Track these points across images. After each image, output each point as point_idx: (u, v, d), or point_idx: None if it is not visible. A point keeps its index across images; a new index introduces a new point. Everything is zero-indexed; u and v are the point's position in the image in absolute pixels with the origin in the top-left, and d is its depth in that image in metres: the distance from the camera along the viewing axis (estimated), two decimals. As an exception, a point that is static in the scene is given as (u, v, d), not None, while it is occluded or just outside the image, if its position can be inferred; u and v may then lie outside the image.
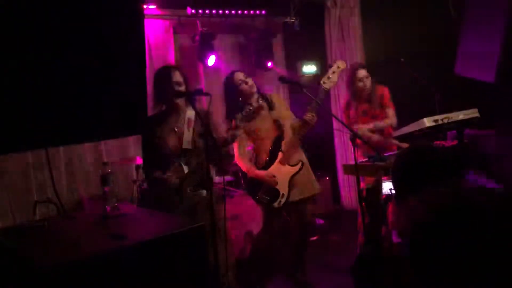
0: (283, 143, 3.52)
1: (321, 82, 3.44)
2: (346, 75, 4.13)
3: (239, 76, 3.52)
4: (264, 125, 3.54)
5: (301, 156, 3.63)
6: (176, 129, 3.03)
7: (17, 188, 4.12)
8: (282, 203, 3.46)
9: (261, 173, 3.45)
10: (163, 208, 2.87)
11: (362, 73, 3.93)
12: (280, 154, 3.50)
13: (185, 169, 2.99)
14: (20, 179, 4.14)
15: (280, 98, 3.71)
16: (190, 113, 3.04)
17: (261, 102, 3.55)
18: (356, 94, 3.98)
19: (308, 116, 3.39)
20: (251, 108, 3.22)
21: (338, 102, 5.58)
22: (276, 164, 3.49)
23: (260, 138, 3.55)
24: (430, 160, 1.50)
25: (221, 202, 3.03)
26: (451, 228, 0.95)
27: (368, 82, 3.93)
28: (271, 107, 3.57)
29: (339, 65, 3.46)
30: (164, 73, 2.99)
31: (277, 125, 3.57)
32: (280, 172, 3.48)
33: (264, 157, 3.53)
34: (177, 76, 2.95)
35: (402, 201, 1.51)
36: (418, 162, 1.51)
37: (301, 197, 3.55)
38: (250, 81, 3.52)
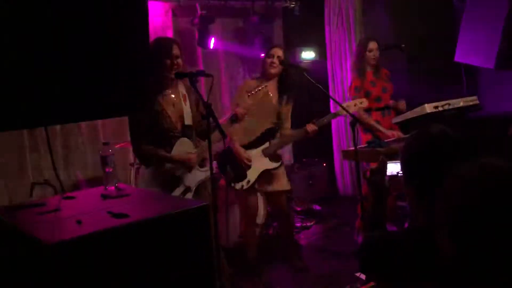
0: (275, 135, 3.54)
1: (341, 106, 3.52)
2: (355, 48, 4.24)
3: (277, 52, 3.50)
4: (265, 109, 3.51)
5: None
6: (174, 105, 2.96)
7: (13, 170, 4.08)
8: (243, 187, 3.46)
9: (241, 149, 3.43)
10: (167, 187, 2.87)
11: (374, 44, 4.03)
12: (266, 144, 3.50)
13: (192, 145, 2.96)
14: (16, 161, 4.10)
15: (289, 107, 3.65)
16: (182, 88, 3.01)
17: (270, 93, 3.52)
18: (364, 64, 4.05)
19: (311, 128, 3.41)
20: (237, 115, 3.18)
21: (336, 82, 5.57)
22: (257, 150, 3.49)
23: (253, 119, 3.48)
24: (445, 144, 1.48)
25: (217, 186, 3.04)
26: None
27: (377, 54, 4.04)
28: (280, 102, 3.55)
29: (362, 101, 3.54)
30: (165, 45, 2.90)
31: (277, 117, 3.56)
32: (257, 160, 3.48)
33: (246, 138, 3.50)
34: (177, 50, 2.90)
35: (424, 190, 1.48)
36: (432, 147, 1.50)
37: (275, 189, 3.57)
38: (277, 63, 3.48)
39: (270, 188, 3.55)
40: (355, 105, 3.49)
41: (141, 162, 3.03)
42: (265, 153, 3.48)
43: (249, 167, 3.44)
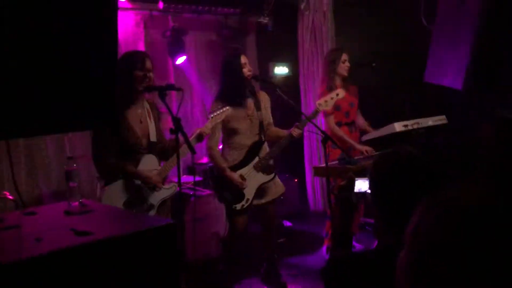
0: (262, 148, 3.49)
1: (317, 103, 3.51)
2: (326, 58, 4.20)
3: (244, 59, 3.41)
4: (247, 124, 3.46)
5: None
6: (141, 121, 2.94)
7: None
8: (244, 206, 3.41)
9: (233, 175, 3.38)
10: (132, 203, 2.82)
11: (346, 56, 4.06)
12: (256, 159, 3.46)
13: (157, 162, 2.92)
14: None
15: (267, 99, 3.63)
16: (146, 103, 2.99)
17: (249, 99, 3.47)
18: (334, 77, 4.02)
19: (296, 132, 3.38)
20: (219, 111, 3.16)
21: (308, 98, 5.59)
22: (249, 168, 3.44)
23: (239, 137, 3.45)
24: (412, 166, 1.49)
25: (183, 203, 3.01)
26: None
27: (349, 65, 4.03)
28: (258, 106, 3.50)
29: (338, 93, 3.53)
30: (138, 57, 2.88)
31: (260, 128, 3.51)
32: (251, 177, 3.43)
33: (237, 156, 3.46)
34: (149, 63, 2.88)
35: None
36: (399, 169, 1.50)
37: (267, 200, 3.53)
38: (250, 68, 3.44)
39: (263, 200, 3.51)
40: (332, 98, 3.48)
41: (103, 177, 2.96)
42: (257, 168, 3.44)
43: (245, 187, 3.40)
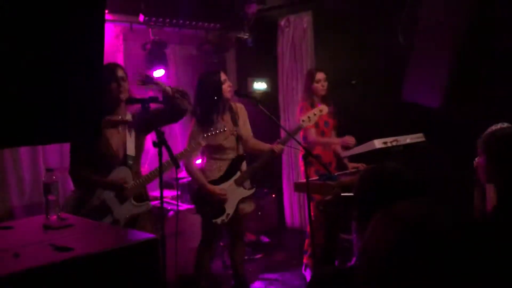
0: (243, 163, 3.48)
1: (301, 119, 3.54)
2: (305, 76, 4.23)
3: (223, 75, 3.42)
4: (227, 140, 3.44)
5: None
6: (119, 132, 2.84)
7: None
8: (224, 221, 3.40)
9: (213, 188, 3.35)
10: (94, 215, 2.67)
11: (320, 75, 4.04)
12: (238, 174, 3.44)
13: (131, 175, 2.82)
14: None
15: (244, 111, 3.63)
16: (128, 116, 2.89)
17: (227, 114, 3.47)
18: (312, 96, 4.04)
19: (278, 148, 3.41)
20: (217, 131, 3.18)
21: (287, 113, 5.62)
22: (230, 182, 3.42)
23: (222, 152, 3.45)
24: (397, 182, 1.50)
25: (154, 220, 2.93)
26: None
27: (325, 85, 4.02)
28: (235, 121, 3.50)
29: (321, 109, 3.56)
30: (108, 68, 2.78)
31: (240, 143, 3.51)
32: (232, 192, 3.41)
33: (217, 171, 3.43)
34: (121, 72, 2.79)
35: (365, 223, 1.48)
36: (384, 184, 1.51)
37: (245, 211, 3.53)
38: (230, 83, 3.45)
39: (245, 210, 3.53)
40: (315, 114, 3.51)
41: (76, 187, 2.84)
42: (238, 183, 3.42)
43: (225, 201, 3.37)
